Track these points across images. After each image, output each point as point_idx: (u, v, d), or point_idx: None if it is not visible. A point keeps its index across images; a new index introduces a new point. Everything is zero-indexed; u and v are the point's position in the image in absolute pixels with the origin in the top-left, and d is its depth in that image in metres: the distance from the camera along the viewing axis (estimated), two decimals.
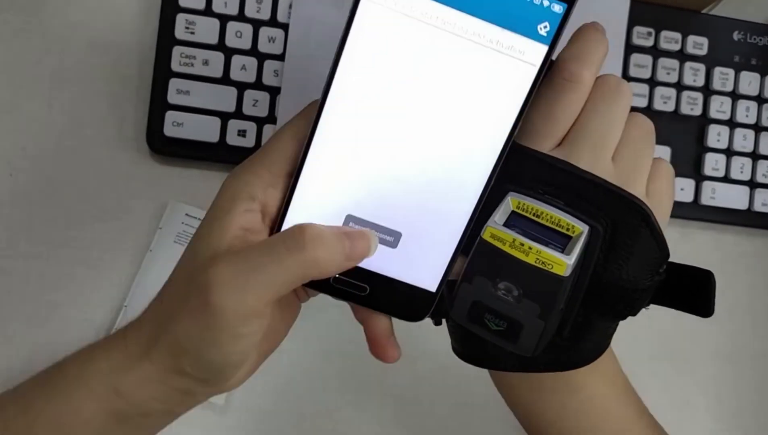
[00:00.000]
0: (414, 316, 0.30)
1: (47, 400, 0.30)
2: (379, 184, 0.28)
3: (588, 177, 0.28)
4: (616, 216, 0.28)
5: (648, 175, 0.30)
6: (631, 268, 0.29)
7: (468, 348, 0.32)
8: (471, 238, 0.29)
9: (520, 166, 0.28)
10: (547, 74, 0.28)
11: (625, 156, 0.29)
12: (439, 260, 0.29)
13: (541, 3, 0.26)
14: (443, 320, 0.32)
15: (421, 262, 0.29)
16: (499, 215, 0.28)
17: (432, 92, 0.27)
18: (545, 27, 0.26)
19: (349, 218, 0.29)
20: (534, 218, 0.28)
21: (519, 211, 0.28)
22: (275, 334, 0.32)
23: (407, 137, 0.28)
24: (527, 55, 0.26)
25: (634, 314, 0.30)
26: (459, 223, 0.29)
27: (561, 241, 0.28)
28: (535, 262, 0.27)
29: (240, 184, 0.29)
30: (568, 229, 0.27)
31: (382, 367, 0.51)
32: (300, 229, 0.27)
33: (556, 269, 0.27)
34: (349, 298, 0.30)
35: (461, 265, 0.29)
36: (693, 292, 0.31)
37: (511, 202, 0.28)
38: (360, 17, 0.26)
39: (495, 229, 0.28)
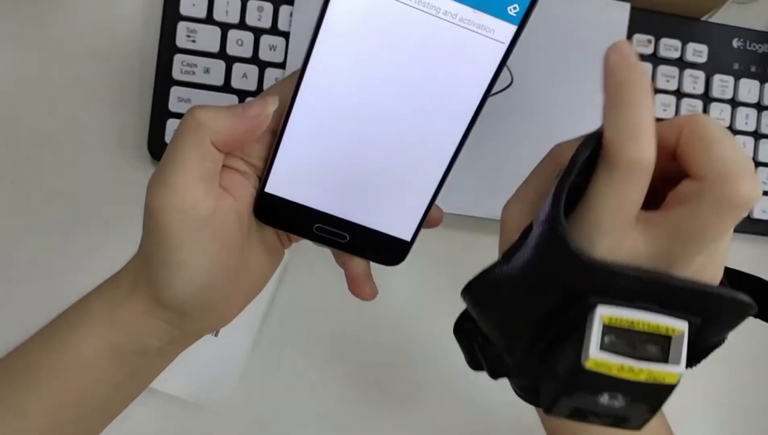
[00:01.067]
0: (391, 261, 0.33)
1: (48, 348, 0.32)
2: (357, 146, 0.30)
3: (676, 283, 0.25)
4: (712, 310, 0.26)
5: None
6: (717, 338, 0.28)
7: (532, 394, 0.31)
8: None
9: (602, 283, 0.25)
10: (599, 159, 0.25)
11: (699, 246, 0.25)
12: (413, 212, 0.32)
13: None
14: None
15: (397, 214, 0.32)
16: (594, 337, 0.25)
17: (405, 66, 0.29)
18: (515, 8, 0.28)
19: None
20: (630, 327, 0.25)
21: (612, 325, 0.25)
22: (257, 271, 0.33)
23: (383, 104, 0.30)
24: (497, 34, 0.29)
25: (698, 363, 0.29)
26: (431, 180, 0.31)
27: (660, 341, 0.26)
28: (647, 379, 0.25)
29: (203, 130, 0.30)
30: (666, 331, 0.25)
31: (381, 373, 0.52)
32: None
33: (668, 380, 0.25)
34: (330, 244, 0.32)
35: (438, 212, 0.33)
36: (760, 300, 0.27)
37: (602, 318, 0.25)
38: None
39: (597, 359, 0.25)
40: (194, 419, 0.49)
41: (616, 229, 0.25)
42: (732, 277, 0.29)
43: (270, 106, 0.29)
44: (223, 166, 0.30)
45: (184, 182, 0.28)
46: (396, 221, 0.32)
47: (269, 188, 0.31)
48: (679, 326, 0.25)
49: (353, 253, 0.33)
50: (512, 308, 0.27)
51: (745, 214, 0.27)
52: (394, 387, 0.52)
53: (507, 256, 0.27)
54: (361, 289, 0.33)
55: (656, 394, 0.26)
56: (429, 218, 0.32)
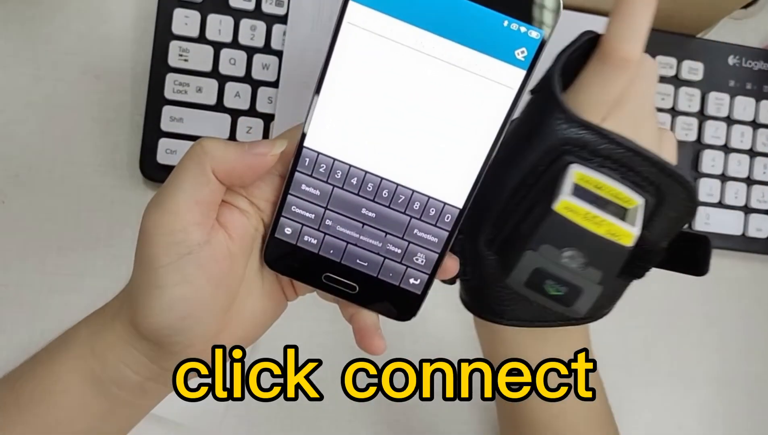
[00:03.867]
0: (402, 316, 0.32)
1: (32, 375, 0.32)
2: (364, 195, 0.30)
3: (642, 152, 0.29)
4: (663, 187, 0.30)
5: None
6: (661, 232, 0.31)
7: (484, 304, 0.34)
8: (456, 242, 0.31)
9: (579, 138, 0.29)
10: (594, 52, 0.30)
11: (651, 130, 0.31)
12: (425, 266, 0.31)
13: (518, 29, 0.27)
14: (456, 280, 0.34)
15: (408, 268, 0.31)
16: (567, 187, 0.29)
17: (413, 113, 0.28)
18: (523, 52, 0.27)
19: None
20: (595, 190, 0.29)
21: (581, 184, 0.29)
22: (251, 318, 0.32)
23: (391, 151, 0.29)
24: (505, 78, 0.28)
25: (642, 276, 0.32)
26: (442, 234, 0.30)
27: (618, 212, 0.29)
28: (606, 233, 0.28)
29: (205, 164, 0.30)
30: (625, 202, 0.29)
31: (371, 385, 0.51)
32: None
33: (623, 240, 0.28)
34: (338, 295, 0.31)
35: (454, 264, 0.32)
36: (691, 254, 0.33)
37: (575, 174, 0.29)
38: (342, 39, 0.28)
39: (569, 201, 0.28)
40: None
41: (593, 114, 0.29)
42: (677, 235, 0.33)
43: (277, 147, 0.29)
44: (225, 202, 0.30)
45: (177, 205, 0.28)
46: (407, 272, 0.31)
47: (278, 234, 0.31)
48: (637, 199, 0.29)
49: (362, 305, 0.32)
50: (498, 171, 0.30)
51: (631, 72, 0.29)
52: (388, 404, 0.51)
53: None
54: (369, 342, 0.32)
55: (610, 259, 0.29)
56: (443, 268, 0.31)
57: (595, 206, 0.28)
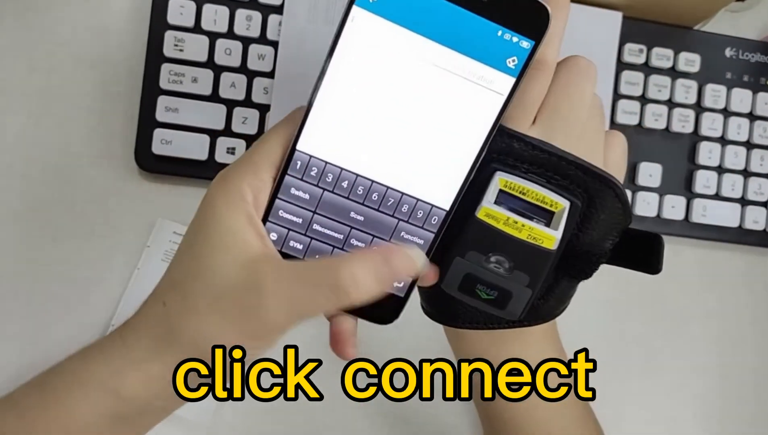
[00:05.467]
0: (384, 319, 0.32)
1: (44, 407, 0.30)
2: (353, 195, 0.30)
3: (565, 156, 0.30)
4: (591, 190, 0.31)
5: (603, 146, 0.32)
6: (598, 234, 0.32)
7: (440, 309, 0.35)
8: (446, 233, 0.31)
9: (505, 146, 0.30)
10: None
11: (588, 132, 0.31)
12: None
13: (510, 39, 0.28)
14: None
15: None
16: (490, 194, 0.30)
17: (406, 116, 0.29)
18: (513, 61, 0.28)
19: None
20: (520, 196, 0.30)
21: (506, 190, 0.30)
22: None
23: (381, 156, 0.29)
24: (496, 85, 0.29)
25: (588, 276, 0.33)
26: (428, 236, 0.31)
27: (545, 215, 0.30)
28: (527, 237, 0.30)
29: (236, 193, 0.29)
30: (551, 205, 0.30)
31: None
32: (343, 274, 0.27)
33: (546, 244, 0.30)
34: None
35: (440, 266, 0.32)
36: (644, 252, 0.33)
37: (499, 181, 0.30)
38: (343, 43, 0.28)
39: (489, 208, 0.30)
40: (177, 432, 0.49)
41: (521, 119, 0.30)
42: (625, 233, 0.33)
43: (419, 265, 0.29)
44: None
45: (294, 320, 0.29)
46: None
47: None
48: (562, 202, 0.30)
49: (345, 309, 0.31)
50: None
51: (545, 74, 0.30)
52: (388, 404, 0.51)
53: None
54: (343, 348, 0.32)
55: (535, 262, 0.30)
56: (423, 275, 0.31)
57: (517, 212, 0.30)
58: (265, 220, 0.30)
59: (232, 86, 0.48)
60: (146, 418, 0.32)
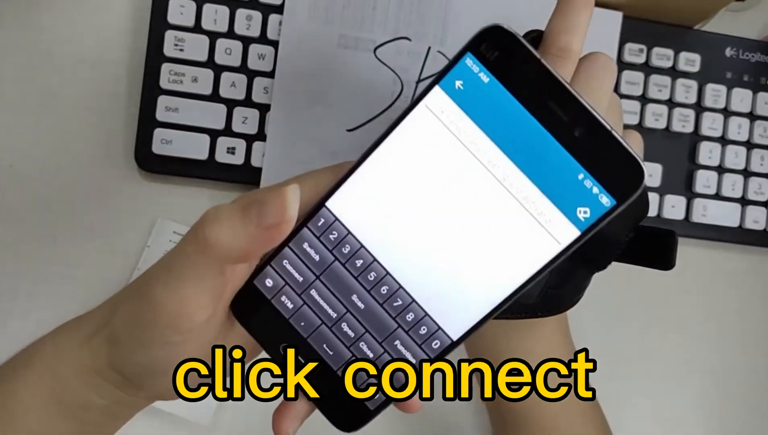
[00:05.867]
0: (342, 425, 0.29)
1: None
2: (357, 286, 0.28)
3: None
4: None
5: None
6: (618, 225, 0.31)
7: None
8: None
9: None
10: (537, 47, 0.29)
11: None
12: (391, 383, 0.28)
13: (591, 188, 0.24)
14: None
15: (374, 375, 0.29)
16: None
17: (449, 223, 0.26)
18: (585, 212, 0.25)
19: None
20: None
21: None
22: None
23: (408, 254, 0.27)
24: (555, 229, 0.25)
25: (604, 268, 0.33)
26: (421, 357, 0.28)
27: None
28: None
29: None
30: None
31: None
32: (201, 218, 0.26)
33: None
34: (284, 370, 0.29)
35: None
36: (658, 249, 0.33)
37: None
38: (411, 120, 0.26)
39: None
40: (178, 433, 0.49)
41: None
42: (639, 230, 0.33)
43: (290, 209, 0.25)
44: None
45: (188, 294, 0.26)
46: (370, 381, 0.29)
47: (257, 281, 0.28)
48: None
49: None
50: None
51: (571, 64, 0.30)
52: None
53: None
54: (280, 420, 0.30)
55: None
56: (406, 403, 0.29)
57: None
58: (268, 262, 0.28)
59: (233, 86, 0.48)
60: (90, 414, 0.30)
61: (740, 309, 0.56)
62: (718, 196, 0.54)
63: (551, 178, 0.25)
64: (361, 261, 0.27)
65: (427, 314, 0.27)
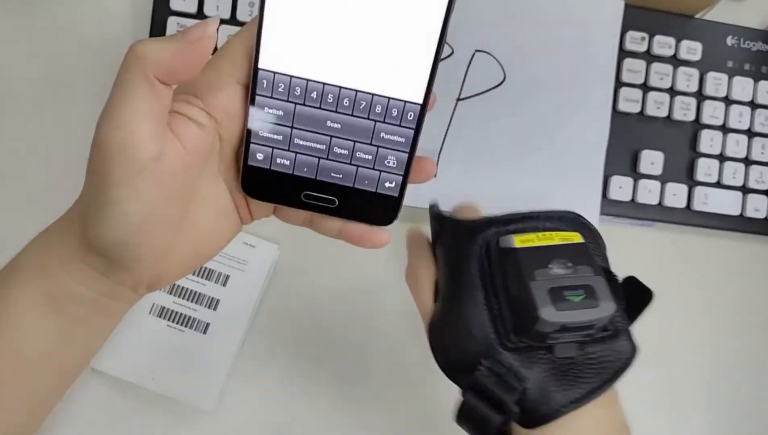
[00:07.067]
0: (383, 221, 0.32)
1: None
2: (328, 98, 0.30)
3: (536, 212, 0.35)
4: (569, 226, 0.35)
5: None
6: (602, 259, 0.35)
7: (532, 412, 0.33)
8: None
9: (491, 234, 0.34)
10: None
11: None
12: (397, 168, 0.31)
13: None
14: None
15: (384, 168, 0.32)
16: (509, 240, 0.33)
17: (359, 14, 0.29)
18: None
19: None
20: (538, 242, 0.33)
21: (523, 245, 0.33)
22: (204, 235, 0.32)
23: (343, 60, 0.29)
24: None
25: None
26: (408, 133, 0.31)
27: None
28: (561, 240, 0.33)
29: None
30: (566, 239, 0.33)
31: (373, 370, 0.51)
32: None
33: (576, 239, 0.33)
34: (319, 211, 0.32)
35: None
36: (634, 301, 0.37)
37: (513, 239, 0.33)
38: None
39: (518, 235, 0.33)
40: (181, 419, 0.49)
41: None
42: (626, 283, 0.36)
43: (210, 26, 0.27)
44: (180, 114, 0.29)
45: (125, 119, 0.27)
46: (382, 176, 0.32)
47: (251, 161, 0.31)
48: (571, 231, 0.34)
49: (344, 216, 0.32)
50: (461, 310, 0.33)
51: None
52: (385, 385, 0.51)
53: (435, 298, 0.36)
54: (371, 239, 0.32)
55: (583, 254, 0.33)
56: (420, 168, 0.32)
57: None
58: (248, 141, 0.30)
59: None
60: (80, 308, 0.31)
61: (741, 297, 0.57)
62: (719, 185, 0.54)
63: None
64: (315, 92, 0.30)
65: (390, 98, 0.30)
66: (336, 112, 0.30)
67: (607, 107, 0.52)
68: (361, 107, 0.30)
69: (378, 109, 0.30)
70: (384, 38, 0.29)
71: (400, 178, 0.31)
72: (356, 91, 0.30)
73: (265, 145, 0.30)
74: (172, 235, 0.30)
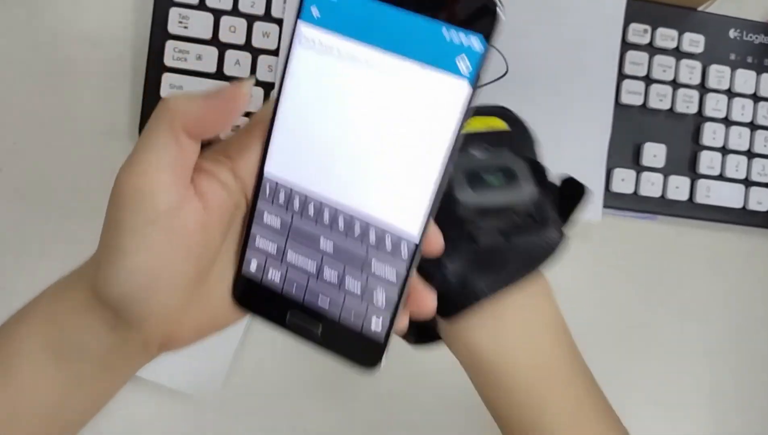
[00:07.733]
0: (364, 364, 0.29)
1: None
2: (319, 232, 0.29)
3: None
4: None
5: None
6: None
7: (445, 307, 0.32)
8: None
9: None
10: None
11: None
12: (385, 307, 0.28)
13: (459, 36, 0.25)
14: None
15: (371, 308, 0.29)
16: None
17: (365, 133, 0.27)
18: (464, 60, 0.26)
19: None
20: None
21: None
22: (220, 305, 0.30)
23: (344, 179, 0.28)
24: (450, 90, 0.26)
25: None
26: (400, 267, 0.28)
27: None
28: (484, 127, 0.33)
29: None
30: (491, 127, 0.34)
31: None
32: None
33: (500, 126, 0.33)
34: (303, 337, 0.29)
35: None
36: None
37: None
38: (294, 62, 0.27)
39: None
40: (184, 410, 0.49)
41: None
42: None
43: (244, 86, 0.27)
44: (206, 171, 0.28)
45: (145, 166, 0.26)
46: (369, 312, 0.29)
47: (245, 270, 0.29)
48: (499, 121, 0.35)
49: (326, 349, 0.29)
50: None
51: None
52: (384, 383, 0.51)
53: None
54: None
55: (503, 141, 0.33)
56: (416, 300, 0.29)
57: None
58: (245, 248, 0.29)
59: (237, 64, 0.48)
60: (87, 364, 0.29)
61: (743, 290, 0.56)
62: (721, 178, 0.54)
63: (424, 48, 0.26)
64: (312, 207, 0.28)
65: (386, 231, 0.27)
66: (330, 232, 0.28)
67: (610, 99, 0.52)
68: (355, 231, 0.28)
69: (372, 236, 0.28)
70: (387, 161, 0.27)
71: (388, 319, 0.28)
72: (353, 214, 0.27)
73: (260, 255, 0.29)
74: (185, 296, 0.28)
